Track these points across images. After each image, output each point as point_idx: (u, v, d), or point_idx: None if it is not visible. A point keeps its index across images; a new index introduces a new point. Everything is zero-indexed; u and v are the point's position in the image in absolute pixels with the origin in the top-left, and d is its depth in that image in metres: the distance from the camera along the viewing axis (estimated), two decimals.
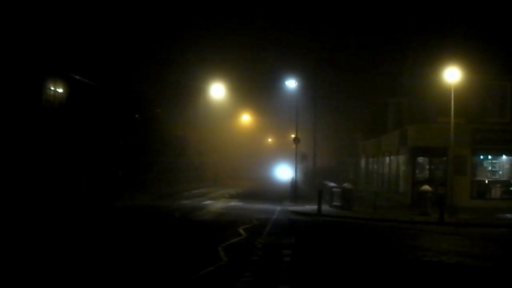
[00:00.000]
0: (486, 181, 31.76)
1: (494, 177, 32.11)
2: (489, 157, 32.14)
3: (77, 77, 32.81)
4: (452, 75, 26.69)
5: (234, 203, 33.57)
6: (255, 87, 73.27)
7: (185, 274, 11.68)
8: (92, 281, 11.31)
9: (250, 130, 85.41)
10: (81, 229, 19.70)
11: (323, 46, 55.59)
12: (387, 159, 38.17)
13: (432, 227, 22.99)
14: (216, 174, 66.42)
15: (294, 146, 39.18)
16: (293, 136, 40.82)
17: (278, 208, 30.41)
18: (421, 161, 32.39)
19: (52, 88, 30.90)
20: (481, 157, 31.94)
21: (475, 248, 17.61)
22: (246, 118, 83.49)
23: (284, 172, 72.54)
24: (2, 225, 19.43)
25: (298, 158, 40.64)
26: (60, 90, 31.59)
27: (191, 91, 56.96)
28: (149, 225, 21.17)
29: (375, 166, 43.16)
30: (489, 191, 31.68)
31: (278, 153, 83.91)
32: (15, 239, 16.48)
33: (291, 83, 39.51)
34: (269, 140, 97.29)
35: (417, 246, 17.27)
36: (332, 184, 34.12)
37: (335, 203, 30.43)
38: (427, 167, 32.11)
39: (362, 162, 49.21)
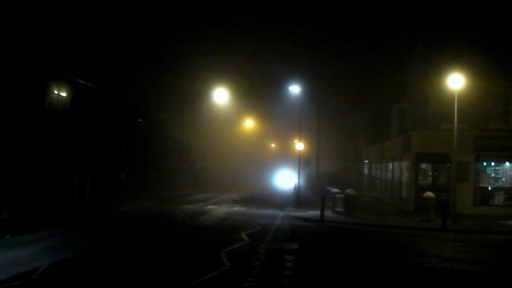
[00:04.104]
0: (489, 188, 31.68)
1: (497, 183, 32.03)
2: (492, 163, 32.07)
3: (81, 81, 32.88)
4: (456, 81, 26.68)
5: (237, 208, 33.55)
6: (259, 92, 73.31)
7: (187, 279, 11.68)
8: (96, 283, 11.34)
9: (253, 136, 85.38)
10: (84, 231, 19.73)
11: (327, 52, 55.66)
12: (390, 165, 38.13)
13: (435, 234, 22.96)
14: (219, 179, 66.43)
15: (297, 152, 39.15)
16: (296, 141, 40.81)
17: (281, 213, 30.38)
18: (424, 167, 32.34)
19: (56, 92, 30.96)
20: (484, 163, 31.87)
21: (478, 255, 17.58)
22: (249, 124, 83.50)
23: (285, 179, 71.00)
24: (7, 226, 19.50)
25: (301, 164, 40.61)
26: (64, 94, 31.65)
27: (195, 96, 57.08)
28: (152, 229, 21.16)
29: (378, 172, 43.12)
30: (492, 198, 31.58)
31: (281, 159, 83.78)
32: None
33: (294, 89, 39.54)
34: (272, 145, 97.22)
35: (420, 253, 17.25)
36: (335, 189, 34.07)
37: (338, 209, 30.39)
38: (430, 173, 32.06)
39: (365, 168, 49.18)
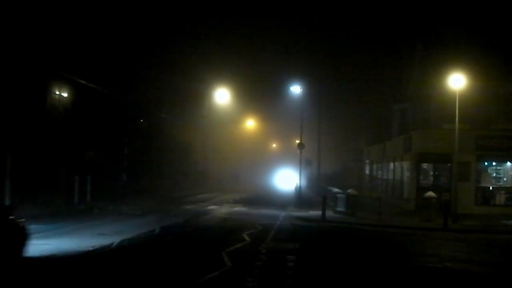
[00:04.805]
0: (491, 188, 31.68)
1: (498, 183, 32.02)
2: (494, 163, 32.06)
3: (82, 82, 32.91)
4: (457, 81, 26.67)
5: (238, 208, 33.55)
6: (260, 92, 73.34)
7: (189, 279, 11.70)
8: (97, 285, 11.37)
9: (254, 136, 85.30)
10: (84, 231, 19.76)
11: (329, 52, 55.70)
12: (392, 165, 38.14)
13: (436, 233, 22.95)
14: (220, 179, 66.40)
15: (298, 152, 39.15)
16: (297, 141, 40.79)
17: (282, 213, 30.37)
18: (425, 167, 32.34)
19: (57, 92, 31.01)
20: (486, 163, 31.86)
21: (479, 255, 17.58)
22: (250, 124, 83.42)
23: (286, 179, 70.29)
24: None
25: (303, 164, 40.59)
26: (65, 95, 31.70)
27: (196, 96, 57.05)
28: (153, 229, 21.15)
29: (380, 172, 43.12)
30: (493, 198, 31.57)
31: (283, 159, 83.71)
32: None
33: (296, 89, 39.53)
34: (274, 145, 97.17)
35: (421, 253, 17.25)
36: (336, 189, 34.07)
37: (339, 209, 30.39)
38: (432, 173, 32.06)
39: (367, 168, 49.18)
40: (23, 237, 13.78)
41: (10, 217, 13.81)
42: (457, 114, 26.46)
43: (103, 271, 12.78)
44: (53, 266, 13.41)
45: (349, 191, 30.47)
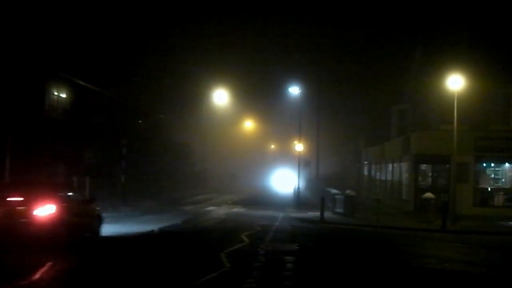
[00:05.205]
0: (489, 189, 31.69)
1: (497, 184, 32.04)
2: (492, 164, 32.08)
3: (81, 82, 32.87)
4: (456, 82, 26.64)
5: (236, 209, 33.53)
6: (259, 93, 73.34)
7: (187, 280, 11.66)
8: (96, 285, 11.34)
9: (253, 137, 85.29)
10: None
11: (327, 53, 55.65)
12: (390, 166, 38.12)
13: (435, 235, 22.95)
14: (218, 180, 66.46)
15: (297, 153, 39.17)
16: (296, 143, 40.80)
17: (281, 214, 30.36)
18: (424, 168, 32.34)
19: (56, 93, 30.97)
20: (484, 164, 31.88)
21: (477, 256, 17.55)
22: (249, 125, 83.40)
23: (284, 180, 69.88)
24: None
25: (301, 165, 40.58)
26: (64, 95, 31.66)
27: (194, 97, 57.09)
28: (152, 230, 21.14)
29: (378, 173, 43.11)
30: (492, 199, 31.60)
31: (281, 160, 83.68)
32: None
33: (294, 90, 39.54)
34: (272, 146, 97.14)
35: (420, 254, 17.22)
36: (335, 191, 34.07)
37: (337, 210, 30.39)
38: (430, 174, 32.06)
39: (365, 169, 49.15)
40: (100, 221, 18.23)
41: (92, 205, 18.08)
42: (455, 115, 26.44)
43: (99, 271, 12.75)
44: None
45: (347, 192, 30.47)
